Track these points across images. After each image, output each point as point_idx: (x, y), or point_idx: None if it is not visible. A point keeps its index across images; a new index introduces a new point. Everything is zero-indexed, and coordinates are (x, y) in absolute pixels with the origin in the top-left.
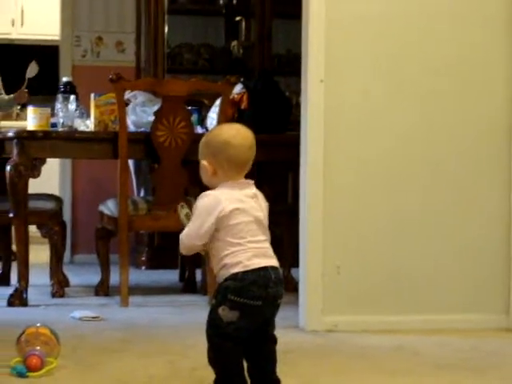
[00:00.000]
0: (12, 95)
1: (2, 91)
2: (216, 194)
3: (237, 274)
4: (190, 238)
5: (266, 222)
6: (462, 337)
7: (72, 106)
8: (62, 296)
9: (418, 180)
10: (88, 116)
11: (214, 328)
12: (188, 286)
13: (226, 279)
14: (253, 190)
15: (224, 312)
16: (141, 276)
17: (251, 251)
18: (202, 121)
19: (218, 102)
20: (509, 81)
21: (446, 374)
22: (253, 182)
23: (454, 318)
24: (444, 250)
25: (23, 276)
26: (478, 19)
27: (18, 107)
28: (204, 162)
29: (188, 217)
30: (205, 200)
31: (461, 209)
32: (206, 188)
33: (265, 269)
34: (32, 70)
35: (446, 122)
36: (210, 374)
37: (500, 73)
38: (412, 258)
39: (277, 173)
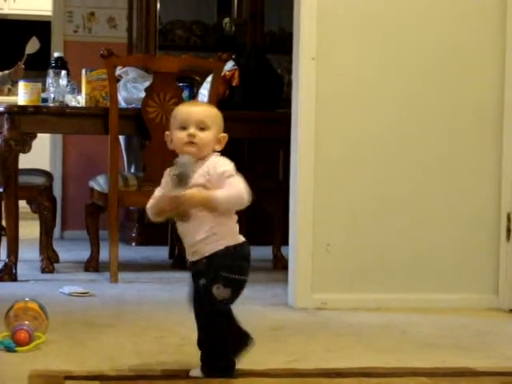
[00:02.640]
0: (6, 72)
1: None
2: None
3: (229, 247)
4: (246, 192)
5: None
6: (451, 316)
7: (63, 81)
8: (51, 271)
9: (409, 159)
10: (79, 91)
11: (209, 306)
12: (177, 263)
13: (217, 253)
14: None
15: (219, 290)
16: (130, 252)
17: (236, 224)
18: (193, 97)
19: (209, 78)
20: (500, 65)
21: (434, 352)
22: None
23: (444, 297)
24: (435, 230)
25: (13, 251)
26: (472, 5)
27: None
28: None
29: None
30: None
31: (452, 190)
32: None
33: (246, 242)
34: (32, 45)
35: (439, 102)
36: (197, 350)
37: (492, 55)
38: (402, 237)
39: (268, 150)
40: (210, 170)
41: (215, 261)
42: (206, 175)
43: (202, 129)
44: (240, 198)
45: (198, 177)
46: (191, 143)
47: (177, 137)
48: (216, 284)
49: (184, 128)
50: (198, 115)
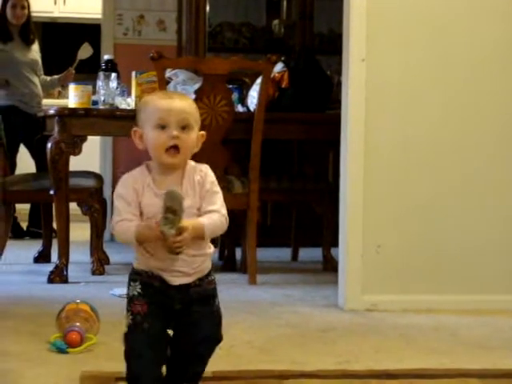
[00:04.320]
0: (56, 76)
1: (42, 72)
2: None
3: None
4: (227, 216)
5: None
6: (502, 317)
7: (113, 83)
8: (101, 273)
9: (459, 158)
10: (129, 94)
11: (219, 330)
12: (228, 265)
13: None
14: None
15: None
16: None
17: None
18: (242, 99)
19: (258, 80)
20: None
21: (484, 354)
22: None
23: (495, 298)
24: (486, 230)
25: (64, 253)
26: None
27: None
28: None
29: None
30: None
31: (504, 188)
32: (246, 167)
33: None
34: (85, 51)
35: (490, 102)
36: (247, 352)
37: None
38: (452, 237)
39: (318, 151)
40: (202, 182)
41: (215, 280)
42: (196, 187)
43: (183, 128)
44: (223, 227)
45: (186, 193)
46: (174, 148)
47: (154, 138)
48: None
49: (163, 127)
50: (181, 113)
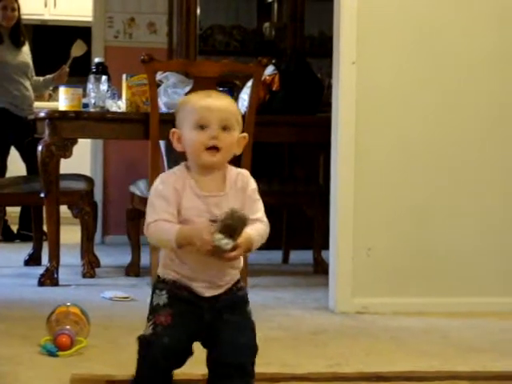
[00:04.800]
0: (49, 76)
1: (34, 74)
2: None
3: None
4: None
5: None
6: (492, 320)
7: (104, 86)
8: (92, 276)
9: (450, 160)
10: (120, 97)
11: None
12: None
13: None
14: None
15: None
16: None
17: None
18: None
19: (249, 83)
20: None
21: (474, 357)
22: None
23: (485, 300)
24: (475, 233)
25: (54, 256)
26: None
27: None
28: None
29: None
30: None
31: (493, 192)
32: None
33: None
34: (78, 48)
35: (482, 105)
36: None
37: None
38: (443, 240)
39: (308, 154)
40: (244, 188)
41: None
42: (239, 194)
43: (224, 129)
44: (266, 237)
45: (232, 198)
46: (214, 149)
47: (194, 139)
48: None
49: (202, 127)
50: (222, 112)
